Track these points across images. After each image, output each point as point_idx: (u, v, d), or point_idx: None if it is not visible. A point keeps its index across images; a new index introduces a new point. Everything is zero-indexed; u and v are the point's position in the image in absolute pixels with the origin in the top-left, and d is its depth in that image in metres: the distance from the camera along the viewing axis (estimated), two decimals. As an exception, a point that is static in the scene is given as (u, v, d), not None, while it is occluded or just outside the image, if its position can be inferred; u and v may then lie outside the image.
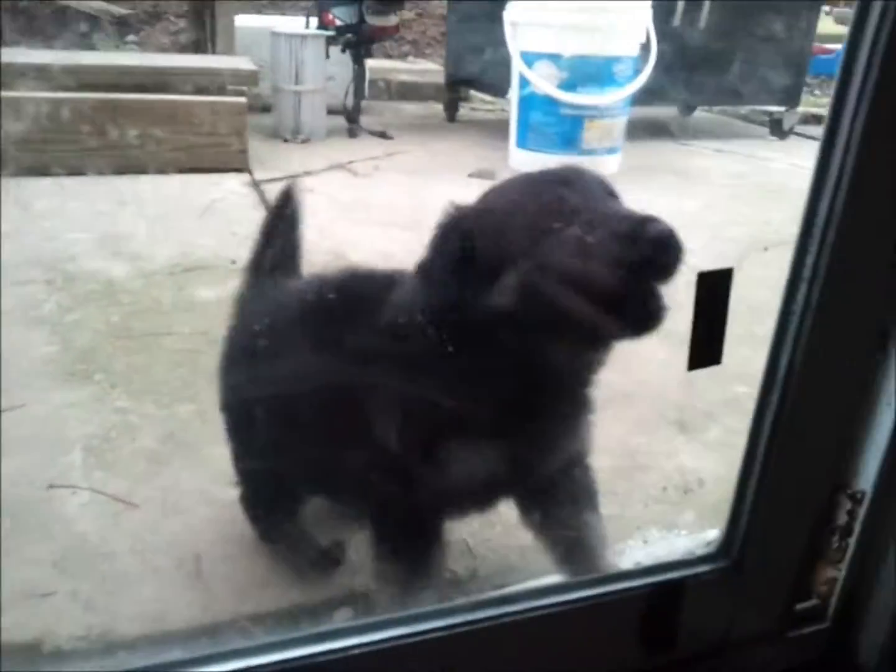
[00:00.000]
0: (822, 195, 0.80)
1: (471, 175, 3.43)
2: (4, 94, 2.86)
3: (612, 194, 0.89)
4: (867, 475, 0.97)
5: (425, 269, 0.92)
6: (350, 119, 4.21)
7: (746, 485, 0.94)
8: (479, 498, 1.06)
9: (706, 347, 0.82)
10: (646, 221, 0.79)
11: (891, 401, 0.95)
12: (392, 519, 1.03)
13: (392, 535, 1.04)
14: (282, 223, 1.36)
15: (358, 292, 1.10)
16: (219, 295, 2.14)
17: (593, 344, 0.89)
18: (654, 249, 0.77)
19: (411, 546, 1.02)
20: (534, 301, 0.84)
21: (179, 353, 1.81)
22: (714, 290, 0.79)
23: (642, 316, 0.81)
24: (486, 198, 0.92)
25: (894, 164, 0.78)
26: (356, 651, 0.77)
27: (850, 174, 0.77)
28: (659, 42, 3.63)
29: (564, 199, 0.83)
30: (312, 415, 1.09)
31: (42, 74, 3.22)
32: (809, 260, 0.83)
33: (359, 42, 4.13)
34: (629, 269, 0.78)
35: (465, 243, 0.87)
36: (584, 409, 1.02)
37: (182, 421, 1.56)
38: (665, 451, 1.54)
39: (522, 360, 0.88)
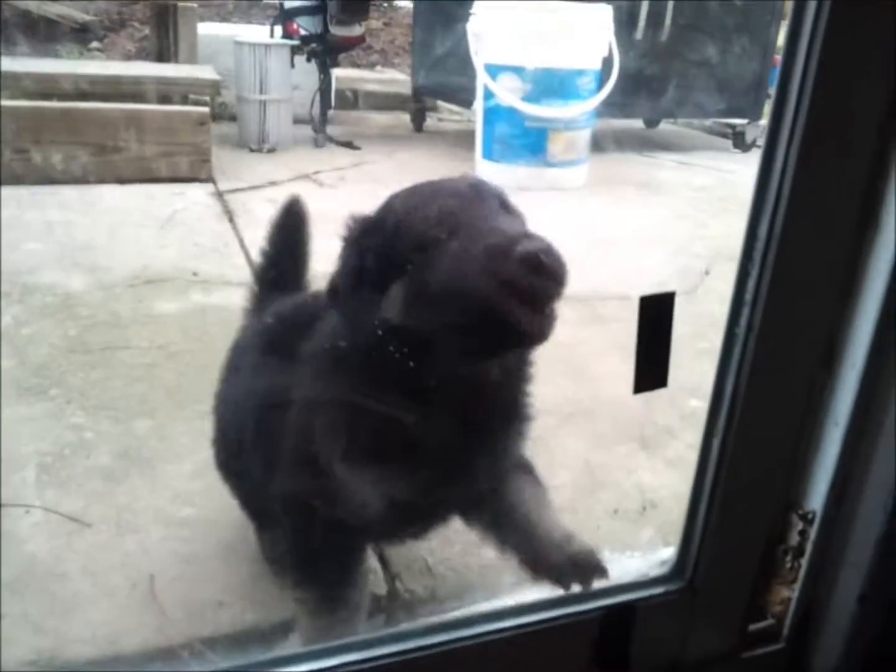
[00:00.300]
0: (761, 217, 0.81)
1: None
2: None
3: (507, 209, 0.88)
4: (817, 495, 0.98)
5: (333, 286, 0.92)
6: (316, 129, 4.20)
7: (698, 505, 0.95)
8: (403, 521, 1.04)
9: (651, 370, 0.82)
10: (519, 239, 0.78)
11: (838, 421, 0.96)
12: (307, 543, 1.00)
13: (307, 560, 1.02)
14: (284, 237, 1.33)
15: (297, 317, 1.10)
16: (179, 308, 2.12)
17: (478, 356, 0.86)
18: (522, 267, 0.76)
19: (328, 572, 1.00)
20: (415, 314, 0.83)
21: (137, 367, 1.79)
22: (657, 313, 0.80)
23: (517, 332, 0.79)
24: (384, 207, 0.92)
25: (831, 182, 0.79)
26: (307, 678, 0.77)
27: (787, 195, 0.78)
28: (622, 55, 3.67)
29: (452, 211, 0.82)
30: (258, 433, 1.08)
31: (3, 82, 3.17)
32: (751, 283, 0.84)
33: (324, 52, 4.11)
34: (503, 285, 0.77)
35: (362, 257, 0.88)
36: (507, 423, 0.98)
37: (138, 437, 1.54)
38: (625, 468, 1.54)
39: (419, 376, 0.86)
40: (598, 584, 0.88)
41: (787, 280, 0.83)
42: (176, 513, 1.34)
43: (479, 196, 0.85)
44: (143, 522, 1.32)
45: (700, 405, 1.08)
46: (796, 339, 0.86)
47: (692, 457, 1.00)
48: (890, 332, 0.90)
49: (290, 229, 1.33)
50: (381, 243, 0.87)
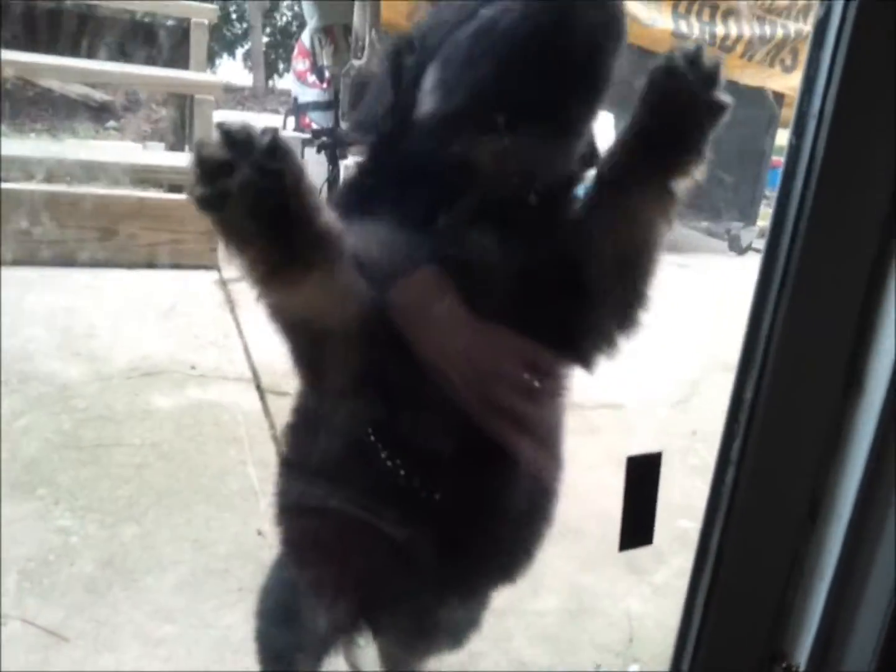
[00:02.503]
0: (759, 332, 0.82)
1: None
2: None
3: None
4: (802, 648, 0.97)
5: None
6: (322, 217, 4.28)
7: (682, 654, 0.94)
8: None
9: (637, 528, 0.83)
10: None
11: (823, 575, 0.96)
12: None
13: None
14: None
15: None
16: (174, 404, 2.13)
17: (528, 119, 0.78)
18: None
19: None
20: (456, 87, 0.79)
21: (127, 467, 1.79)
22: (643, 472, 0.81)
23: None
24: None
25: (832, 296, 0.81)
26: None
27: (786, 307, 0.79)
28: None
29: None
30: None
31: (16, 164, 3.26)
32: (736, 443, 0.85)
33: (334, 145, 4.23)
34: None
35: (394, 67, 0.85)
36: None
37: (124, 545, 1.53)
38: (612, 594, 1.53)
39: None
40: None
41: (778, 429, 0.85)
42: (155, 630, 1.32)
43: None
44: (121, 639, 1.31)
45: (691, 526, 1.08)
46: (782, 493, 0.87)
47: (681, 584, 0.99)
48: (876, 487, 0.91)
49: None
50: (410, 45, 0.84)
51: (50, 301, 2.77)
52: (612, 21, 0.78)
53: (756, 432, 0.84)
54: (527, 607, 1.45)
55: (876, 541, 0.94)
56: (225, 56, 9.66)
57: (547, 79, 0.76)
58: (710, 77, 0.80)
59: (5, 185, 3.09)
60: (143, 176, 3.49)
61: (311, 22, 4.65)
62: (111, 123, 6.97)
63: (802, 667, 0.98)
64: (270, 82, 9.14)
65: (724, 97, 0.82)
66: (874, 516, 0.93)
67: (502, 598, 1.48)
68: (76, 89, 7.15)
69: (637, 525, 0.83)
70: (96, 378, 2.23)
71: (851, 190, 0.79)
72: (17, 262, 2.93)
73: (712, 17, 4.33)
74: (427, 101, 0.81)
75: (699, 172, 0.87)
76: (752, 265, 0.83)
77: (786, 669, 1.00)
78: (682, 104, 0.80)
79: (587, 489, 1.91)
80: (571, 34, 0.74)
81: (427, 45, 0.82)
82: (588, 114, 0.85)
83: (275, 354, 2.72)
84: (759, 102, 4.74)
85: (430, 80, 0.81)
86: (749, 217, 4.80)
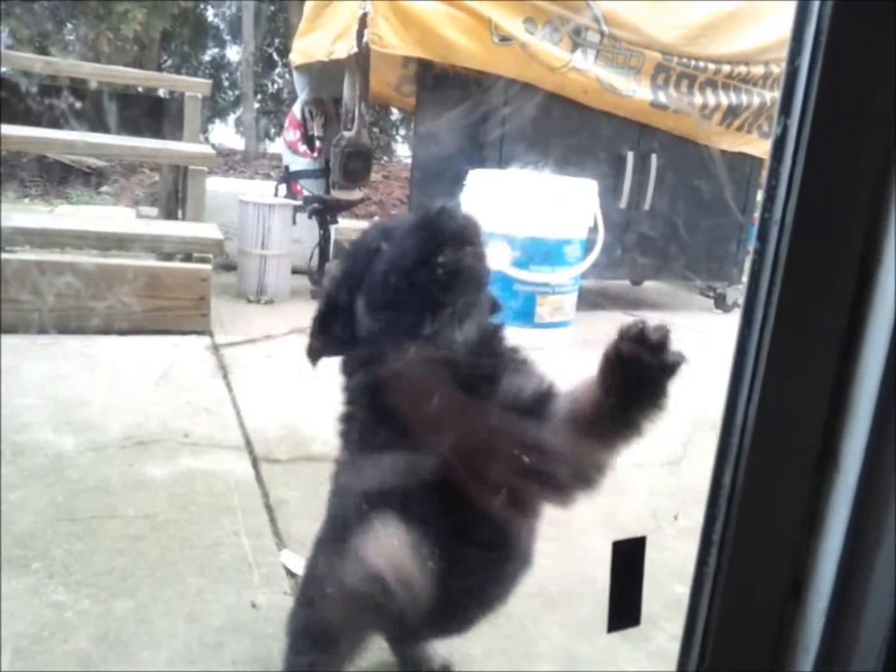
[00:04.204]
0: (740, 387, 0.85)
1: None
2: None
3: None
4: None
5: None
6: (314, 281, 4.35)
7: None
8: None
9: (624, 611, 0.85)
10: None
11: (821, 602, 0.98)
12: None
13: None
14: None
15: None
16: (167, 473, 2.14)
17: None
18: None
19: None
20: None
21: (121, 539, 1.79)
22: (629, 557, 0.84)
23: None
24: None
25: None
26: None
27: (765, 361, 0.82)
28: (607, 221, 3.88)
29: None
30: None
31: (10, 233, 3.31)
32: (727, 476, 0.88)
33: (325, 211, 4.33)
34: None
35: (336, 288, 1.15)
36: None
37: (118, 619, 1.52)
38: (607, 662, 1.53)
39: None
40: None
41: (756, 511, 0.88)
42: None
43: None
44: (115, 720, 1.30)
45: (685, 591, 1.10)
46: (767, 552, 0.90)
47: (675, 648, 1.01)
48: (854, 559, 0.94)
49: None
50: (343, 282, 1.13)
51: (44, 369, 2.80)
52: (469, 228, 1.04)
53: (735, 511, 0.87)
54: (522, 677, 1.46)
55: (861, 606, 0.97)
56: (217, 121, 9.88)
57: (437, 282, 1.01)
58: (659, 344, 0.91)
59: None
60: (136, 244, 3.55)
61: (302, 94, 4.81)
62: (104, 189, 7.09)
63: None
64: (262, 146, 9.34)
65: (677, 356, 0.92)
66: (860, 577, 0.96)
67: (496, 667, 1.49)
68: (69, 154, 7.28)
69: (624, 607, 0.86)
70: (90, 447, 2.25)
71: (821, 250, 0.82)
72: (9, 331, 2.96)
73: (690, 87, 4.50)
74: (363, 319, 1.08)
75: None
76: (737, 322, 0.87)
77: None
78: (638, 371, 0.93)
79: (582, 554, 1.93)
80: (440, 247, 1.00)
81: (353, 279, 1.10)
82: (482, 292, 1.12)
83: (267, 421, 2.75)
84: (737, 167, 4.89)
85: (360, 304, 1.08)
86: (733, 276, 4.91)
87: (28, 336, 3.07)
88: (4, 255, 3.18)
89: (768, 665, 0.98)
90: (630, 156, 4.41)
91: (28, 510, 1.88)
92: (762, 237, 0.87)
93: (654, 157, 4.49)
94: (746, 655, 0.94)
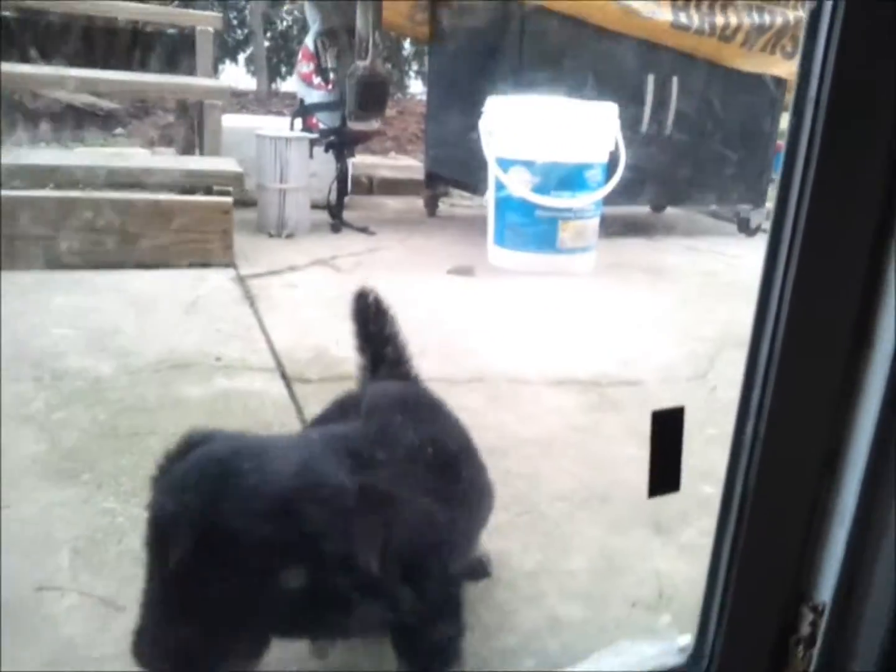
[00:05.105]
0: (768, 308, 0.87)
1: (450, 272, 3.55)
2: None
3: None
4: (826, 588, 1.03)
5: None
6: (333, 215, 4.35)
7: (712, 598, 1.00)
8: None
9: (664, 477, 0.89)
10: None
11: (843, 520, 1.01)
12: None
13: None
14: (364, 331, 1.41)
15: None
16: (203, 393, 2.19)
17: None
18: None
19: None
20: None
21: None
22: (668, 426, 0.87)
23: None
24: None
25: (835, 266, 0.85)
26: None
27: (792, 281, 0.84)
28: (628, 147, 3.83)
29: None
30: None
31: (27, 172, 3.33)
32: (755, 392, 0.90)
33: (341, 144, 4.30)
34: None
35: None
36: None
37: (167, 523, 1.59)
38: (640, 554, 1.58)
39: None
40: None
41: (791, 385, 0.90)
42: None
43: None
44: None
45: (713, 491, 1.13)
46: (800, 442, 0.92)
47: (706, 542, 1.05)
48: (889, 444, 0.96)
49: (365, 321, 1.40)
50: None
51: (76, 302, 2.84)
52: None
53: (775, 372, 0.89)
54: (558, 567, 1.51)
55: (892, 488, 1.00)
56: (227, 62, 9.75)
57: None
58: None
59: (27, 193, 3.17)
60: (156, 179, 3.56)
61: (315, 26, 4.73)
62: (119, 131, 7.05)
63: (829, 606, 1.04)
64: (273, 85, 9.23)
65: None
66: (890, 465, 0.99)
67: (533, 561, 1.54)
68: (82, 98, 7.22)
69: (664, 473, 0.90)
70: (126, 372, 2.30)
71: (850, 176, 0.82)
72: (42, 267, 3.00)
73: (711, 7, 4.38)
74: None
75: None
76: (761, 246, 0.88)
77: (813, 608, 1.05)
78: None
79: (611, 460, 1.97)
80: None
81: None
82: None
83: (296, 345, 2.78)
84: (761, 88, 4.79)
85: None
86: (757, 199, 4.86)
87: (59, 272, 3.12)
88: (28, 193, 3.21)
89: (803, 536, 1.01)
90: (650, 79, 4.33)
91: (73, 428, 1.94)
92: (790, 150, 0.87)
93: (675, 81, 4.40)
94: (781, 527, 0.98)
